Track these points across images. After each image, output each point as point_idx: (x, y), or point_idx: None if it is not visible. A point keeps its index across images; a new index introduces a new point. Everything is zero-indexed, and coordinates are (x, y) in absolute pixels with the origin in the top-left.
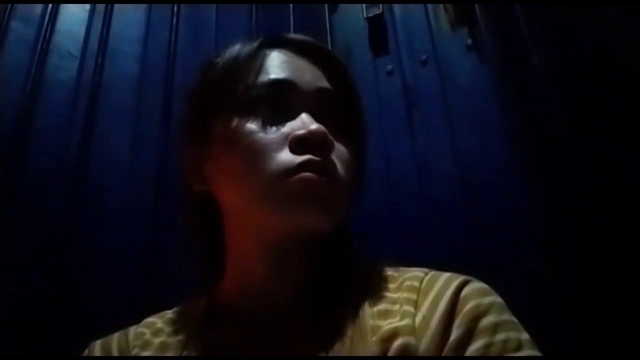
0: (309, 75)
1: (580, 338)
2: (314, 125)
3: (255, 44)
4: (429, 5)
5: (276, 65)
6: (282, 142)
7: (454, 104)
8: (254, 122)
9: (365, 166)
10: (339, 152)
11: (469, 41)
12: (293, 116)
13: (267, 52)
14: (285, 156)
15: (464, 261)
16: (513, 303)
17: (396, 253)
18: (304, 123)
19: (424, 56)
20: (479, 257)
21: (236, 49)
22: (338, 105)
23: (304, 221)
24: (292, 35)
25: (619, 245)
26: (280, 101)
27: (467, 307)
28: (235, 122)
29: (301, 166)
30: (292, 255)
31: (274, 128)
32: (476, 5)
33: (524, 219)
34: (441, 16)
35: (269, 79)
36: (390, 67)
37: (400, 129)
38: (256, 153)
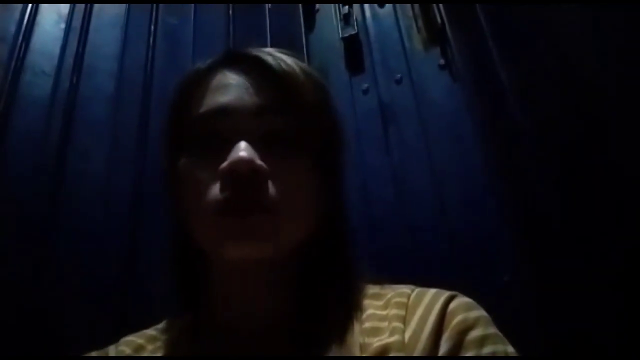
0: (248, 95)
1: (556, 349)
2: (237, 155)
3: (202, 68)
4: (402, 26)
5: (215, 91)
6: (213, 177)
7: (428, 120)
8: (195, 157)
9: (336, 178)
10: (285, 174)
11: (442, 60)
12: (231, 144)
13: (212, 76)
14: (214, 192)
15: (441, 273)
16: (490, 315)
17: (374, 267)
18: (234, 153)
19: (399, 75)
20: (455, 269)
21: (186, 75)
22: (284, 122)
23: (246, 255)
24: (238, 51)
25: (595, 257)
26: (218, 131)
27: (454, 321)
28: (183, 158)
29: (224, 204)
30: (266, 276)
31: (209, 162)
32: (447, 26)
33: (498, 232)
34: (414, 37)
35: (205, 109)
36: (366, 85)
37: (377, 145)
38: (192, 190)
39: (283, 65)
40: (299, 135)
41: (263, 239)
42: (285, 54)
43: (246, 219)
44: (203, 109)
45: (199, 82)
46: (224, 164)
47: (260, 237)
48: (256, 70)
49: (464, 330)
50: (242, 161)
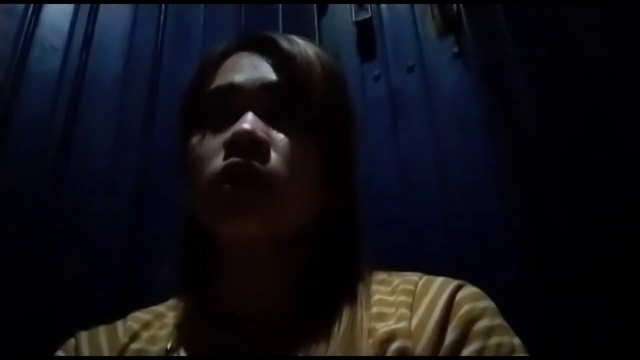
0: (257, 73)
1: (558, 348)
2: (240, 126)
3: (219, 51)
4: (417, 12)
5: (229, 70)
6: (218, 149)
7: (438, 110)
8: (201, 133)
9: (346, 164)
10: (287, 149)
11: (456, 49)
12: (236, 119)
13: (228, 57)
14: (217, 162)
15: (445, 264)
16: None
17: (378, 256)
18: (238, 124)
19: (411, 62)
20: (460, 260)
21: (204, 56)
22: (291, 98)
23: (242, 230)
24: (254, 34)
25: (601, 256)
26: (223, 107)
27: (461, 311)
28: (195, 134)
29: (224, 171)
30: (268, 258)
31: (216, 135)
32: (463, 14)
33: (505, 224)
34: (428, 24)
35: (213, 87)
36: (377, 72)
37: (385, 133)
38: (199, 163)
39: (295, 47)
40: (306, 115)
41: (254, 212)
42: (301, 39)
43: (238, 190)
44: (214, 86)
45: (214, 63)
46: (227, 135)
47: (251, 213)
48: (269, 50)
49: (470, 321)
50: (244, 131)
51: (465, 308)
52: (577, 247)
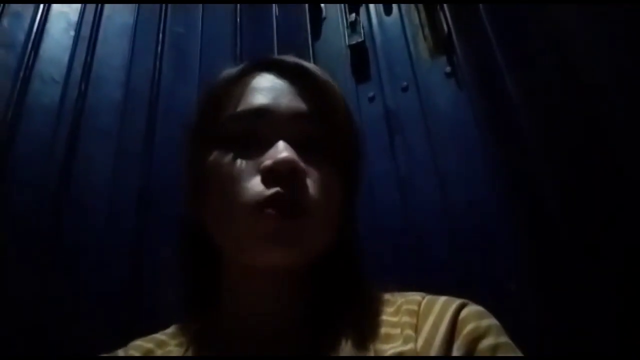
0: (287, 99)
1: (558, 350)
2: (282, 154)
3: (239, 69)
4: (409, 34)
5: (254, 92)
6: (253, 172)
7: (434, 128)
8: (229, 155)
9: (357, 190)
10: (318, 179)
11: (448, 68)
12: (269, 144)
13: (250, 77)
14: (256, 188)
15: (446, 280)
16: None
17: (379, 273)
18: (275, 151)
19: (405, 83)
20: (461, 276)
21: (223, 75)
22: (320, 129)
23: (271, 261)
24: (277, 57)
25: (599, 261)
26: (256, 130)
27: (466, 330)
28: (214, 155)
29: (268, 200)
30: (283, 283)
31: (247, 160)
32: (453, 34)
33: (504, 239)
34: (421, 45)
35: (242, 109)
36: (372, 93)
37: (383, 152)
38: (230, 187)
39: (318, 74)
40: (332, 144)
41: (295, 244)
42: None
43: (285, 221)
44: (241, 108)
45: (236, 82)
46: (267, 162)
47: (292, 242)
48: (293, 75)
49: (475, 339)
50: (285, 160)
51: (469, 327)
52: (576, 255)
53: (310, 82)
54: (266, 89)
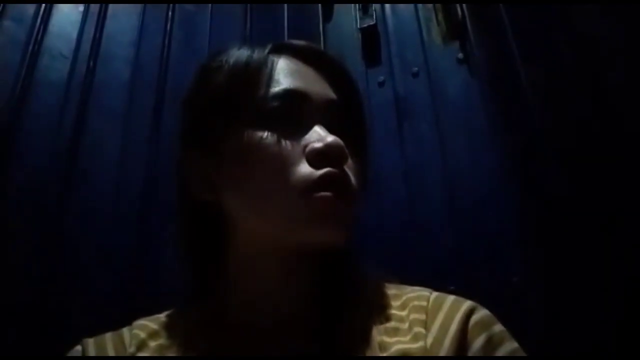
0: (319, 86)
1: (562, 349)
2: (330, 138)
3: (265, 51)
4: (422, 18)
5: (287, 74)
6: (299, 155)
7: (443, 115)
8: (269, 135)
9: (367, 177)
10: (351, 165)
11: (460, 55)
12: (307, 128)
13: (275, 59)
14: (305, 170)
15: (451, 270)
16: (497, 316)
17: (384, 263)
18: (320, 135)
19: (416, 68)
20: (466, 267)
21: (244, 54)
22: (346, 117)
23: (324, 239)
24: (300, 43)
25: (606, 259)
26: (294, 112)
27: (480, 338)
28: (250, 134)
29: (322, 180)
30: (299, 269)
31: (289, 141)
32: (467, 19)
33: (511, 230)
34: (433, 30)
35: (282, 89)
36: (382, 78)
37: (391, 138)
38: (275, 168)
39: (342, 64)
40: (357, 132)
41: (342, 226)
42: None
43: (337, 204)
44: (282, 88)
45: (265, 63)
46: (317, 144)
47: (340, 223)
48: (318, 63)
49: (493, 348)
50: (336, 143)
51: (484, 335)
52: (584, 251)
53: (335, 73)
54: (298, 72)
